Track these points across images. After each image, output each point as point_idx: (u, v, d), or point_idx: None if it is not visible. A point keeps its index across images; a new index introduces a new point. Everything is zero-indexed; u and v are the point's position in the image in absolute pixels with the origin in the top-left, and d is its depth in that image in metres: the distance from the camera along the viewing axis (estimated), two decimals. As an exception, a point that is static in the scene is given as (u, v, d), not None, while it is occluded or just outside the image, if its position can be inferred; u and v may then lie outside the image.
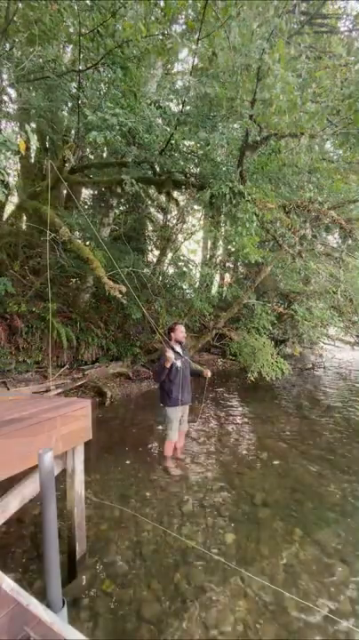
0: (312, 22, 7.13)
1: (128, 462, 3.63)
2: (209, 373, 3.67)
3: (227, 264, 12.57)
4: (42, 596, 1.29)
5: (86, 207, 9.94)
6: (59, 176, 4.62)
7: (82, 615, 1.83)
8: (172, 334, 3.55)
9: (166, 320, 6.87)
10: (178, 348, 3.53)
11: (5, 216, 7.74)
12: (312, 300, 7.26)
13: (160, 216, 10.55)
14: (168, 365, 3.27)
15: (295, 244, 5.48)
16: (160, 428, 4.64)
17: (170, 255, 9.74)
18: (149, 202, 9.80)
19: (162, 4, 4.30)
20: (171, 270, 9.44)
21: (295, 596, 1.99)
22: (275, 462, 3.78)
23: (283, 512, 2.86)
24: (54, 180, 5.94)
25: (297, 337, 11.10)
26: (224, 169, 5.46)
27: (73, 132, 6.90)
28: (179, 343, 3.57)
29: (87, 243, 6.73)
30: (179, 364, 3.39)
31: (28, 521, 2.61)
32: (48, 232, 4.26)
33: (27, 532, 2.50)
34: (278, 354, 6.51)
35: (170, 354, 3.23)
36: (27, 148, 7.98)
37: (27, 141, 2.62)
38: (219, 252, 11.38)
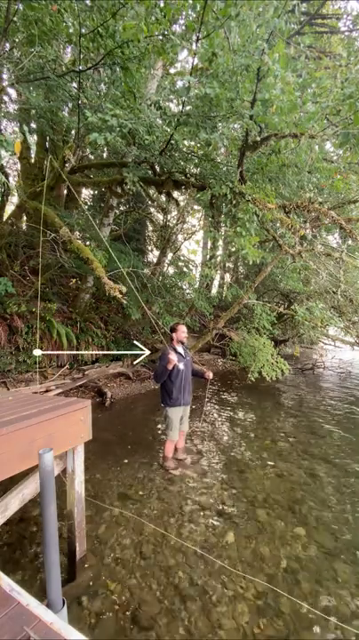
0: (312, 22, 7.13)
1: (128, 462, 3.63)
2: (210, 375, 3.66)
3: (228, 264, 12.59)
4: (42, 595, 1.29)
5: (86, 207, 9.96)
6: (62, 174, 4.61)
7: (82, 615, 1.83)
8: (174, 334, 3.54)
9: (166, 320, 6.87)
10: (180, 349, 3.52)
11: (5, 216, 7.75)
12: (312, 300, 7.26)
13: (160, 216, 10.56)
14: (170, 367, 3.26)
15: (295, 244, 5.48)
16: (160, 427, 4.65)
17: (170, 255, 9.75)
18: (149, 202, 9.81)
19: (161, 4, 4.30)
20: (171, 270, 9.45)
21: (295, 598, 1.99)
22: (276, 462, 3.78)
23: (283, 512, 2.86)
24: (54, 180, 5.95)
25: (297, 337, 11.12)
26: (224, 169, 5.46)
27: (73, 132, 6.90)
28: (182, 343, 3.56)
29: (87, 243, 6.74)
30: (181, 366, 3.39)
31: (28, 521, 2.61)
32: (41, 232, 4.26)
33: (27, 531, 2.50)
34: (278, 354, 6.50)
35: (173, 356, 3.22)
36: (27, 148, 7.99)
37: (25, 142, 2.61)
38: (219, 252, 11.40)
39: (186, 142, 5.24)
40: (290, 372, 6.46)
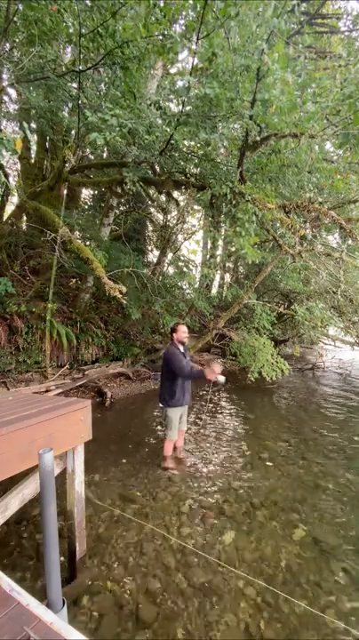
0: (312, 22, 7.13)
1: (128, 462, 3.63)
2: (212, 377, 3.65)
3: (228, 264, 12.59)
4: (42, 596, 1.29)
5: (86, 207, 9.96)
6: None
7: (82, 615, 1.83)
8: (175, 335, 3.54)
9: (166, 320, 6.87)
10: (181, 349, 3.52)
11: (5, 216, 7.75)
12: (312, 300, 7.26)
13: (160, 216, 10.57)
14: (212, 378, 3.08)
15: (295, 244, 5.48)
16: (159, 427, 4.65)
17: (170, 255, 9.75)
18: (149, 202, 9.82)
19: (161, 4, 4.29)
20: (171, 270, 9.45)
21: (295, 598, 1.99)
22: (275, 462, 3.78)
23: (282, 512, 2.86)
24: (54, 181, 5.95)
25: (297, 337, 11.12)
26: (224, 169, 5.46)
27: (73, 132, 6.90)
28: (182, 343, 3.56)
29: (87, 243, 6.74)
30: (222, 379, 3.20)
31: (28, 521, 2.61)
32: (59, 231, 4.25)
33: (27, 531, 2.50)
34: (278, 354, 6.50)
35: (218, 368, 3.04)
36: (28, 149, 7.99)
37: (26, 140, 2.62)
38: (219, 252, 11.40)
39: (186, 142, 5.24)
40: (290, 373, 6.46)
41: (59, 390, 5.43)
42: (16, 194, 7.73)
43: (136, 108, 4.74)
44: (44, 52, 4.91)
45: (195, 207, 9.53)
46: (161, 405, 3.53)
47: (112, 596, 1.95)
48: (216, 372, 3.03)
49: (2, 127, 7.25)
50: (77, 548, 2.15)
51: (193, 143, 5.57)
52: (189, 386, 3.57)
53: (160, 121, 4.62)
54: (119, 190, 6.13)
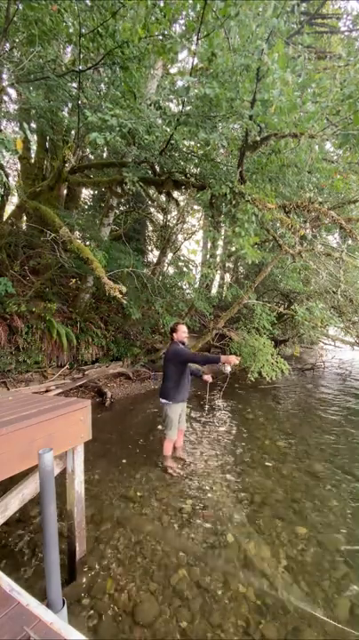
0: (312, 22, 7.13)
1: (128, 462, 3.63)
2: (210, 378, 3.73)
3: (227, 264, 12.59)
4: (42, 596, 1.29)
5: (86, 207, 9.96)
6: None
7: (82, 615, 1.83)
8: (175, 334, 3.56)
9: (166, 320, 6.87)
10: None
11: (5, 216, 7.75)
12: (312, 300, 7.26)
13: (160, 216, 10.56)
14: (226, 362, 3.11)
15: (295, 244, 5.48)
16: (159, 427, 4.64)
17: (170, 255, 9.75)
18: (149, 202, 9.82)
19: (161, 4, 4.29)
20: (171, 270, 9.45)
21: (295, 598, 1.99)
22: (275, 462, 3.79)
23: (282, 512, 2.86)
24: (54, 181, 5.95)
25: (297, 337, 11.12)
26: (224, 169, 5.46)
27: (73, 132, 6.90)
28: (182, 343, 3.58)
29: (87, 243, 6.74)
30: (228, 370, 3.23)
31: (28, 521, 2.61)
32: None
33: (27, 531, 2.50)
34: (278, 354, 6.50)
35: (234, 359, 3.08)
36: (28, 149, 7.99)
37: (26, 140, 2.63)
38: (219, 252, 11.39)
39: (186, 142, 5.24)
40: (290, 373, 6.46)
41: (59, 390, 5.43)
42: (16, 194, 7.74)
43: (136, 108, 4.74)
44: (44, 52, 4.91)
45: (195, 207, 9.52)
46: (162, 401, 3.53)
47: (112, 596, 1.95)
48: (231, 361, 3.05)
49: (2, 127, 7.25)
50: (77, 548, 2.16)
51: (193, 143, 5.57)
52: (189, 384, 3.61)
53: (160, 121, 4.62)
54: (119, 190, 6.13)
